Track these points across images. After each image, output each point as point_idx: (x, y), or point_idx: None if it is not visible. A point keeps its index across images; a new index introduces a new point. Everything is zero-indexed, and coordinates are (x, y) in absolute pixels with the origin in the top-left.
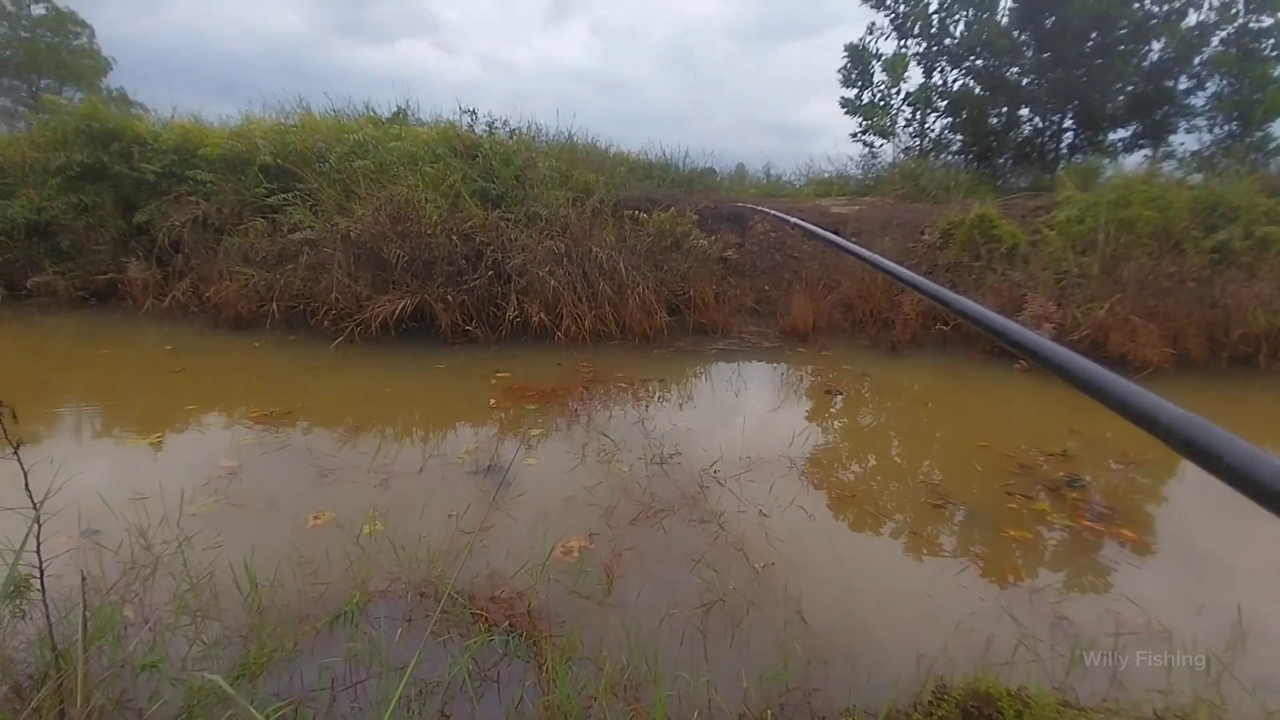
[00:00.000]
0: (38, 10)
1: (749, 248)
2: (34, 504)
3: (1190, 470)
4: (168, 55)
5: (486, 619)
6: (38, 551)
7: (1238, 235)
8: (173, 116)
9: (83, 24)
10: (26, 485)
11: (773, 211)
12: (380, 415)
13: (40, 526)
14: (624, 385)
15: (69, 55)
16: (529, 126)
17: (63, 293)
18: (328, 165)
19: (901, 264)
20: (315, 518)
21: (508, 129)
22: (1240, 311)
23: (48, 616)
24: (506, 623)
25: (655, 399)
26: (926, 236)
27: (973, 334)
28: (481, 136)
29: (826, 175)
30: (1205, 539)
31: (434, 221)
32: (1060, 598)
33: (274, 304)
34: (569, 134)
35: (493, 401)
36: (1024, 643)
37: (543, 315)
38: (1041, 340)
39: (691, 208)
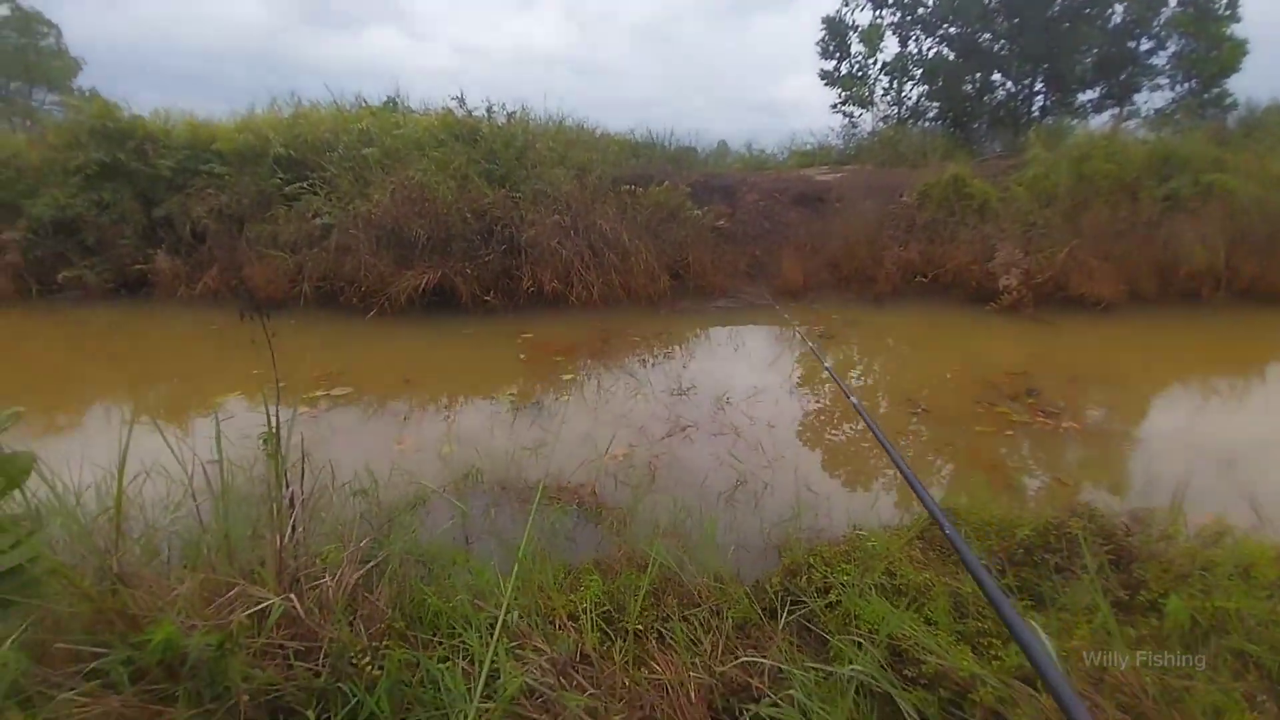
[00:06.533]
0: (1, 11)
1: (740, 217)
2: (276, 379)
3: (1128, 378)
4: (135, 53)
5: (559, 500)
6: (276, 413)
7: (1186, 183)
8: (165, 115)
9: (49, 24)
10: (273, 360)
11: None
12: (426, 371)
13: (280, 395)
14: (637, 339)
15: (37, 56)
16: (520, 109)
17: (94, 286)
18: (336, 154)
19: (882, 225)
20: (399, 443)
21: (505, 112)
22: (1187, 251)
23: (278, 457)
24: (575, 503)
25: (668, 348)
26: (905, 198)
27: (949, 283)
28: (480, 120)
29: (808, 147)
30: (1134, 427)
31: (448, 202)
32: (1016, 467)
33: (304, 284)
34: (559, 118)
35: (523, 356)
36: (984, 489)
37: (555, 283)
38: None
39: (684, 181)
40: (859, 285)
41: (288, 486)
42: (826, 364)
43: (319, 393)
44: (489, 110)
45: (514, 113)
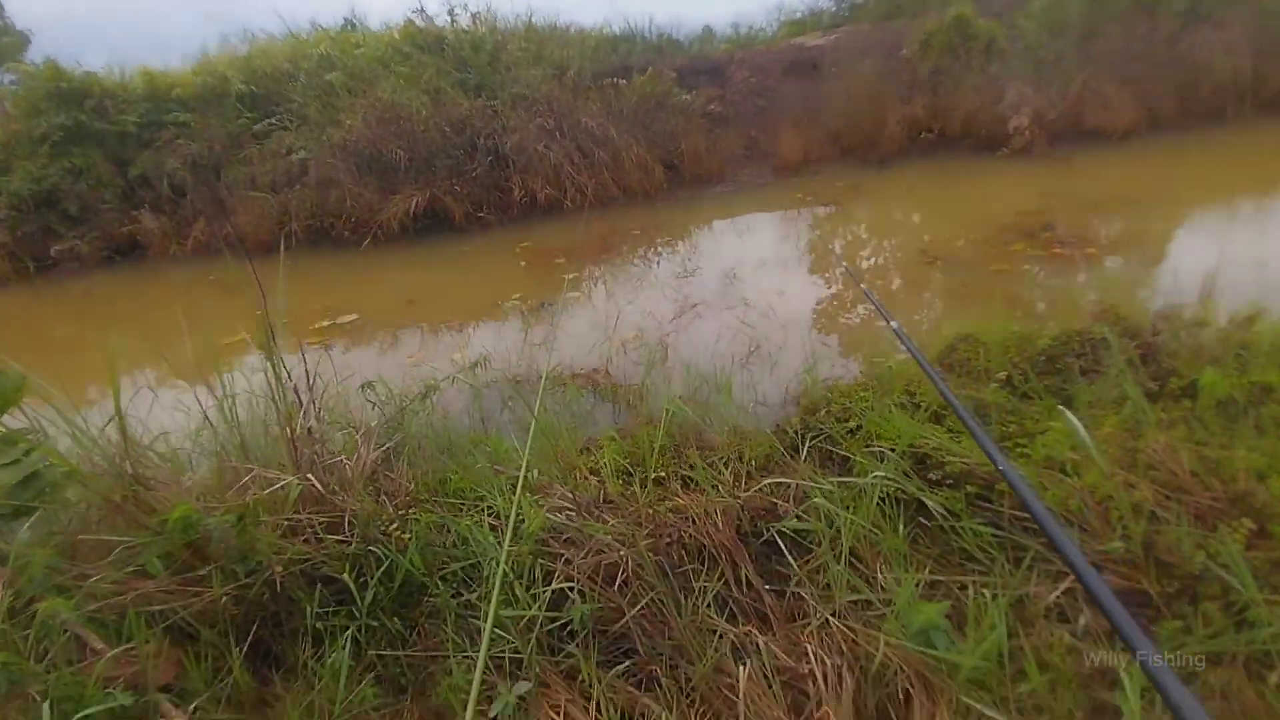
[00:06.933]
0: None
1: (731, 98)
2: (264, 313)
3: (1149, 205)
4: (77, 20)
5: (575, 385)
6: (272, 340)
7: None
8: (120, 69)
9: None
10: (262, 291)
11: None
12: (429, 291)
13: (285, 329)
14: (637, 232)
15: None
16: (486, 9)
17: (87, 256)
18: (299, 84)
19: (883, 84)
20: (409, 357)
21: (467, 12)
22: (1209, 66)
23: (278, 371)
24: (590, 385)
25: (670, 236)
26: (905, 52)
27: (957, 135)
28: (444, 28)
29: (799, 15)
30: (1158, 248)
31: (423, 118)
32: (1035, 296)
33: (292, 224)
34: (528, 14)
35: (523, 264)
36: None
37: (548, 189)
38: None
39: (668, 67)
40: (862, 150)
41: (290, 380)
42: (866, 290)
43: (324, 323)
44: (451, 14)
45: (478, 14)
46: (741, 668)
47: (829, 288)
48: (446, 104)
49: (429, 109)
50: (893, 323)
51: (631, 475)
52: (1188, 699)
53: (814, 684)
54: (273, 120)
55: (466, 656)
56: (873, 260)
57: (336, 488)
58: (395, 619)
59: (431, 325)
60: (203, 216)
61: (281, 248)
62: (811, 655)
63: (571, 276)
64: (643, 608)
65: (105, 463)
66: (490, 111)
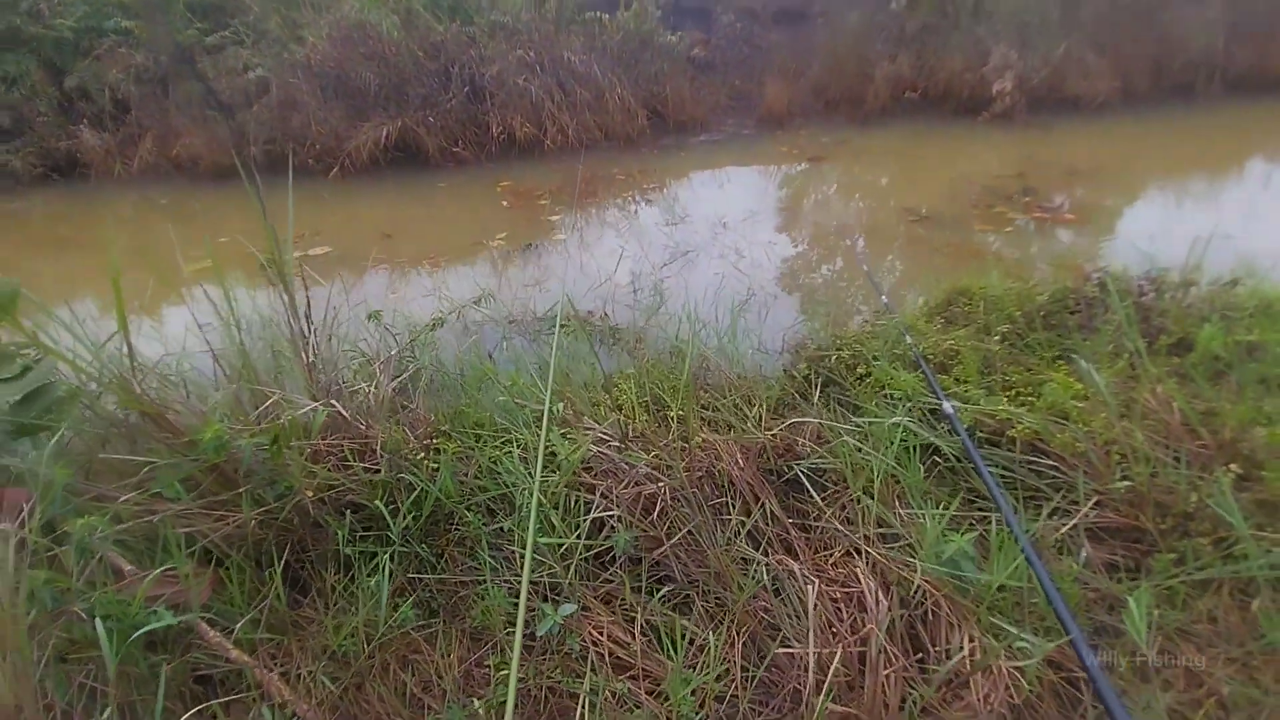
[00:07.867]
0: None
1: (717, 44)
2: (271, 227)
3: (1125, 174)
4: None
5: (570, 327)
6: (279, 253)
7: None
8: None
9: None
10: (262, 203)
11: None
12: (405, 226)
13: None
14: (622, 177)
15: None
16: None
17: (22, 173)
18: None
19: (870, 37)
20: (393, 292)
21: None
22: (1184, 39)
23: (289, 287)
24: (589, 329)
25: (656, 183)
26: (894, 6)
27: (939, 96)
28: None
29: None
30: (1136, 218)
31: (395, 40)
32: (1020, 258)
33: (251, 148)
34: None
35: (505, 204)
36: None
37: (527, 127)
38: None
39: (653, 4)
40: (847, 107)
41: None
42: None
43: (295, 254)
44: None
45: None
46: (810, 587)
47: (825, 241)
48: (420, 27)
49: (400, 31)
50: (947, 405)
51: (651, 413)
52: None
53: (848, 607)
54: (227, 33)
55: (505, 581)
56: (862, 217)
57: (360, 414)
58: (423, 546)
59: (412, 260)
60: (150, 135)
61: (249, 167)
62: (860, 576)
63: (557, 218)
64: (680, 538)
65: (115, 382)
66: (467, 38)
